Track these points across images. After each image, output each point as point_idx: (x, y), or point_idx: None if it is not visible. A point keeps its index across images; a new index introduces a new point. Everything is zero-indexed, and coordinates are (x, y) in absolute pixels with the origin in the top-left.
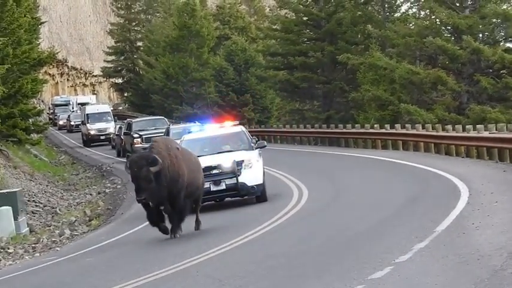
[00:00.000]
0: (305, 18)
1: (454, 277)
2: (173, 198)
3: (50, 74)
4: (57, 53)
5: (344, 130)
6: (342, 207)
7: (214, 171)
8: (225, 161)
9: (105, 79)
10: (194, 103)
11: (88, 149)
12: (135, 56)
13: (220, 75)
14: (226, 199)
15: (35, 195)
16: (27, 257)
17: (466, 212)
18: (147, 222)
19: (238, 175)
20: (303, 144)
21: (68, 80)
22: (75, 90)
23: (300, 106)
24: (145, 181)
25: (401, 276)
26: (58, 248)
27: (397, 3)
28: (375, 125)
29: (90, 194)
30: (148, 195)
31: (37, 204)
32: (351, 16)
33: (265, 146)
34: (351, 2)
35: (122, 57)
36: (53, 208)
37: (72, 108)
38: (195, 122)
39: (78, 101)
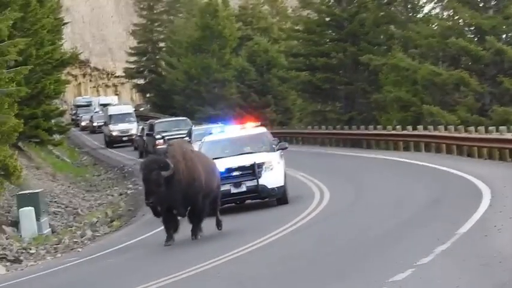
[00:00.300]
0: (327, 19)
1: (476, 280)
2: (190, 201)
3: (72, 75)
4: (80, 53)
5: (366, 131)
6: (363, 209)
7: (235, 173)
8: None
9: (127, 80)
10: (216, 104)
11: (110, 150)
12: (157, 57)
13: (242, 76)
14: (247, 201)
15: (57, 196)
16: (49, 258)
17: (488, 214)
18: None
19: (259, 177)
20: (325, 146)
21: (90, 80)
22: (98, 91)
23: (322, 107)
24: (155, 185)
25: (423, 278)
26: (80, 249)
27: (420, 4)
28: (397, 127)
29: (112, 195)
30: (156, 199)
31: (59, 205)
32: (374, 17)
33: (286, 148)
34: (374, 2)
35: (144, 58)
36: (75, 209)
37: (94, 109)
38: (217, 123)
39: (100, 102)
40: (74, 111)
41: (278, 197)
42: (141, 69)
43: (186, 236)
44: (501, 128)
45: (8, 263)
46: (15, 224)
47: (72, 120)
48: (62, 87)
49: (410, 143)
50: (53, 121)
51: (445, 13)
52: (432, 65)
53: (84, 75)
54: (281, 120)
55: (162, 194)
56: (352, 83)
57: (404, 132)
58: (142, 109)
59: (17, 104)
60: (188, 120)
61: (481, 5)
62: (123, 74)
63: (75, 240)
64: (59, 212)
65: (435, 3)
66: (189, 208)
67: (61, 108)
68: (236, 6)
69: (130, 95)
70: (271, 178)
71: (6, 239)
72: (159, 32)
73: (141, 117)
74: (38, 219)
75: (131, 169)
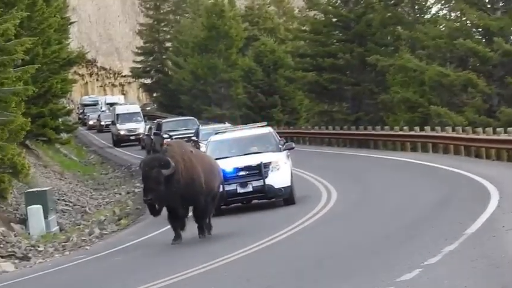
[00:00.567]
0: (334, 20)
1: (484, 280)
2: (191, 202)
3: (79, 74)
4: (87, 53)
5: (373, 132)
6: (370, 209)
7: (241, 173)
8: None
9: (134, 79)
10: (223, 104)
11: (118, 149)
12: (163, 57)
13: (249, 76)
14: (254, 201)
15: (64, 194)
16: (57, 255)
17: (496, 214)
18: None
19: (266, 177)
20: (332, 146)
21: (97, 80)
22: (105, 90)
23: (329, 108)
24: (155, 182)
25: (431, 278)
26: (88, 247)
27: (427, 5)
28: (404, 127)
29: (120, 194)
30: (155, 197)
31: (67, 203)
32: (381, 17)
33: (293, 148)
34: (381, 3)
35: (151, 58)
36: (83, 207)
37: (101, 108)
38: (224, 123)
39: (107, 101)
40: (80, 110)
41: (285, 197)
42: (148, 68)
43: (193, 234)
44: (509, 129)
45: (16, 260)
46: (24, 221)
47: (79, 119)
48: (69, 87)
49: (418, 143)
50: (60, 120)
51: (453, 14)
52: (440, 66)
53: (90, 75)
54: (288, 120)
55: (161, 192)
56: (359, 83)
57: (412, 132)
58: (148, 108)
59: (24, 102)
60: (195, 119)
61: (488, 6)
62: (130, 74)
63: (83, 238)
64: (67, 210)
65: (442, 4)
66: (191, 208)
67: (68, 107)
68: (242, 7)
69: (137, 95)
70: (278, 178)
71: (15, 236)
72: (165, 32)
73: (148, 116)
74: (46, 217)
75: (138, 168)
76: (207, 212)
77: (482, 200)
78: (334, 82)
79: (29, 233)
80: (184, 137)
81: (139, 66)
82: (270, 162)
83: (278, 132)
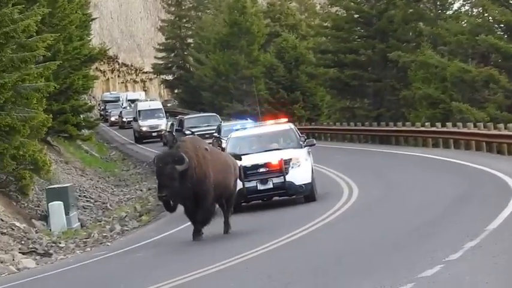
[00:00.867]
0: (356, 16)
1: (505, 276)
2: (200, 200)
3: (100, 70)
4: (108, 49)
5: (395, 128)
6: (392, 205)
7: (262, 170)
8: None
9: (155, 76)
10: (244, 100)
11: (139, 145)
12: (185, 53)
13: (271, 73)
14: (274, 198)
15: (86, 190)
16: (78, 252)
17: None
18: None
19: (286, 174)
20: (353, 142)
21: (118, 76)
22: (126, 86)
23: (351, 104)
24: (169, 178)
25: (452, 274)
26: (109, 243)
27: (449, 1)
28: (426, 123)
29: (141, 190)
30: (169, 193)
31: (88, 199)
32: (403, 14)
33: (314, 144)
34: None
35: (172, 54)
36: (104, 203)
37: (122, 104)
38: (246, 119)
39: (128, 98)
40: (101, 107)
41: (305, 194)
42: (169, 65)
43: (214, 231)
44: None
45: (37, 257)
46: (45, 218)
47: (101, 115)
48: (90, 83)
49: (440, 139)
50: (81, 116)
51: (475, 10)
52: (461, 62)
53: (112, 71)
54: (309, 116)
55: (176, 188)
56: (381, 79)
57: (434, 128)
58: (169, 105)
59: (45, 99)
60: (217, 116)
61: (510, 2)
62: (151, 70)
63: (104, 234)
64: (88, 206)
65: (464, 0)
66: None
67: (89, 104)
68: (264, 3)
69: (159, 91)
70: (299, 175)
71: (36, 232)
72: (187, 28)
73: (169, 113)
74: (67, 213)
75: (152, 164)
76: (211, 214)
77: (504, 196)
78: (355, 78)
79: (50, 230)
80: (206, 134)
81: (161, 62)
82: (290, 159)
83: (299, 129)
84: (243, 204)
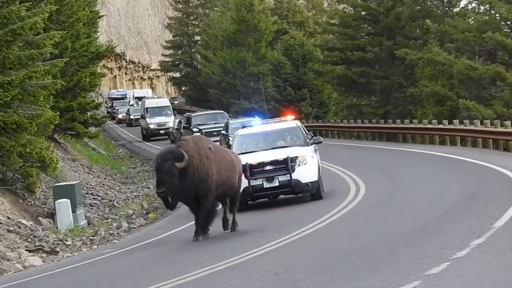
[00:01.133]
0: (363, 13)
1: None
2: (201, 199)
3: (108, 68)
4: (115, 46)
5: (402, 125)
6: (399, 202)
7: (268, 168)
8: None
9: (162, 73)
10: (251, 97)
11: (147, 143)
12: (192, 50)
13: (278, 70)
14: (280, 196)
15: (93, 188)
16: (85, 249)
17: None
18: None
19: (292, 171)
20: (360, 140)
21: (126, 73)
22: (133, 84)
23: (358, 101)
24: (168, 175)
25: (458, 272)
26: (115, 241)
27: None
28: (433, 121)
29: (148, 188)
30: (167, 190)
31: (95, 197)
32: (410, 11)
33: (321, 142)
34: None
35: (180, 52)
36: (111, 201)
37: (129, 102)
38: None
39: (135, 95)
40: (108, 104)
41: (312, 192)
42: (177, 62)
43: (220, 230)
44: None
45: (44, 254)
46: (52, 215)
47: (108, 113)
48: (98, 80)
49: (446, 137)
50: (88, 114)
51: (482, 7)
52: (468, 59)
53: (119, 68)
54: (316, 114)
55: (175, 185)
56: (388, 77)
57: (440, 126)
58: (176, 102)
59: (52, 96)
60: (225, 113)
61: None
62: (159, 67)
63: (111, 232)
64: (95, 204)
65: None
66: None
67: (97, 101)
68: (271, 0)
69: (166, 88)
70: (305, 173)
71: (43, 230)
72: (194, 26)
73: (176, 110)
74: (74, 211)
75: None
76: (212, 214)
77: (511, 194)
78: (363, 76)
79: (56, 227)
80: (214, 131)
81: (168, 59)
82: (297, 157)
83: (306, 126)
84: (249, 202)
